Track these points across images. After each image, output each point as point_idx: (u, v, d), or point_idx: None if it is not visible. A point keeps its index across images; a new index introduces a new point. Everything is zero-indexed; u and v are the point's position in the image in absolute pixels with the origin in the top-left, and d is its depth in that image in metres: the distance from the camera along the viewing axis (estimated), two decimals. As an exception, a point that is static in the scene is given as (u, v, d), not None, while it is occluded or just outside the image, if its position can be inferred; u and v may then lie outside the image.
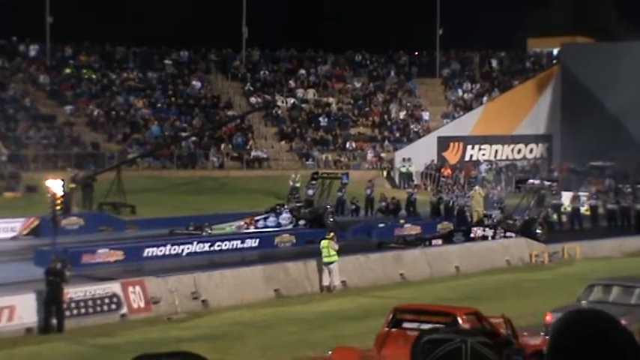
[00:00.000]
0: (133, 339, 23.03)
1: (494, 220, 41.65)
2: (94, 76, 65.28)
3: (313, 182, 46.63)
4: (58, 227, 35.09)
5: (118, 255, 34.12)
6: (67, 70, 65.10)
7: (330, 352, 18.14)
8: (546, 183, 47.10)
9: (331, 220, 42.70)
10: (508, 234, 39.94)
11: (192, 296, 27.33)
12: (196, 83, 67.56)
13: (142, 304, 26.24)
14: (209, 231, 39.08)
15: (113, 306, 25.75)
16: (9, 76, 62.53)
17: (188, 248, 36.00)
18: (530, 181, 47.53)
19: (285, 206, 43.40)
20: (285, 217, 42.31)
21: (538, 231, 40.74)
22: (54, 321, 24.21)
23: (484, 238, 39.89)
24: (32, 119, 59.14)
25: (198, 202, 48.08)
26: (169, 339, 22.66)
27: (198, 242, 36.72)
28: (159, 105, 64.56)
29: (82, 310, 25.13)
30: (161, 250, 35.30)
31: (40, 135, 57.73)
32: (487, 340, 2.41)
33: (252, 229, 40.54)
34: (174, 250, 35.64)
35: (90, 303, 25.34)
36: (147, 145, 59.72)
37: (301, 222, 42.59)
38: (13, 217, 40.60)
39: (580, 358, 2.38)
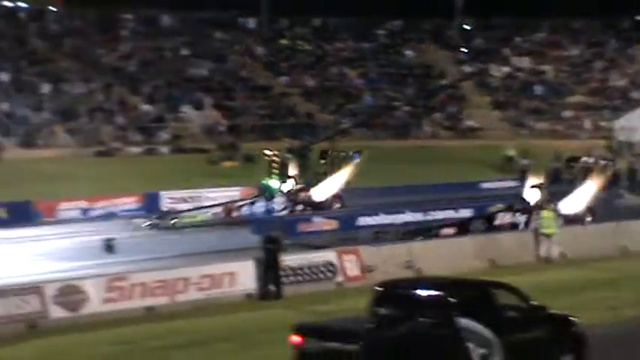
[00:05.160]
0: (348, 306, 23.14)
1: None
2: (308, 48, 66.13)
3: (322, 161, 40.32)
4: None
5: (333, 224, 34.47)
6: (283, 42, 66.23)
7: None
8: None
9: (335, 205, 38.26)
10: None
11: (406, 265, 27.25)
12: (409, 53, 67.36)
13: (357, 273, 26.43)
14: (171, 223, 35.21)
15: (329, 274, 26.04)
16: (228, 49, 64.21)
17: (402, 217, 35.97)
18: None
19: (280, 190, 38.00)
20: (278, 202, 37.46)
21: None
22: (272, 287, 24.70)
23: None
24: (249, 90, 60.55)
25: (412, 172, 47.97)
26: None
27: (412, 211, 36.62)
28: (372, 75, 64.77)
29: (299, 278, 25.54)
30: (375, 219, 35.43)
31: (256, 105, 59.04)
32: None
33: (234, 216, 36.55)
34: (388, 219, 35.68)
35: (306, 270, 25.72)
36: (360, 115, 60.08)
37: (299, 207, 37.68)
38: (231, 186, 41.64)
39: None
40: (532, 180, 34.32)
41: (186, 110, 58.10)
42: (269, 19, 67.19)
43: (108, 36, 63.21)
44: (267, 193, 37.73)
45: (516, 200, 34.14)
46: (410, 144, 57.79)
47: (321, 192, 38.29)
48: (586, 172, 36.27)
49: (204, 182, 42.31)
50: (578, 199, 34.60)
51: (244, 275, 24.62)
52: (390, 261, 27.06)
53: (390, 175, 46.77)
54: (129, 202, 38.89)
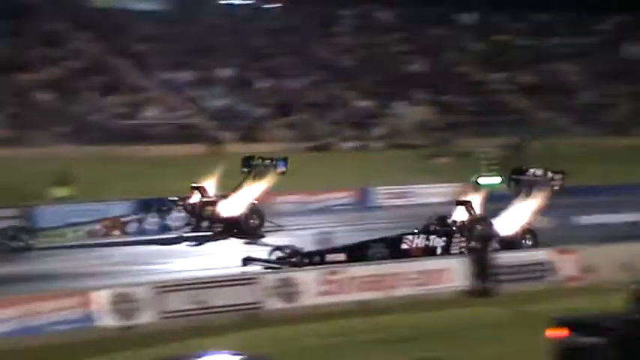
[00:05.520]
0: (563, 307, 22.61)
1: None
2: (525, 43, 65.23)
3: (245, 169, 34.43)
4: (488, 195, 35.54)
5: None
6: (499, 38, 65.57)
7: None
8: None
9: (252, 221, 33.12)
10: None
11: (626, 266, 26.43)
12: (632, 48, 65.31)
13: (575, 273, 25.88)
14: (26, 243, 29.70)
15: (545, 273, 25.62)
16: (443, 44, 64.08)
17: (617, 217, 34.91)
18: None
19: (181, 203, 32.88)
20: (175, 218, 32.74)
21: None
22: (485, 285, 24.49)
23: None
24: (464, 86, 60.21)
25: (631, 171, 46.38)
26: (597, 309, 21.99)
27: (629, 211, 35.49)
28: (591, 71, 63.18)
29: (514, 276, 25.22)
30: (593, 219, 34.56)
31: (471, 102, 58.65)
32: None
33: (116, 235, 31.62)
34: (601, 219, 34.71)
35: (521, 269, 25.38)
36: (578, 112, 58.75)
37: (204, 223, 32.85)
38: (444, 183, 41.47)
39: None
40: (464, 195, 29.88)
41: (401, 106, 58.35)
42: (485, 15, 66.60)
43: (325, 32, 64.23)
44: (482, 191, 37.06)
45: (435, 221, 28.72)
46: (630, 142, 55.92)
47: (232, 206, 33.15)
48: (531, 187, 30.41)
49: (418, 178, 42.34)
50: (516, 219, 29.47)
51: (456, 272, 24.55)
52: (609, 261, 26.35)
53: (608, 174, 45.45)
54: (343, 197, 39.44)
